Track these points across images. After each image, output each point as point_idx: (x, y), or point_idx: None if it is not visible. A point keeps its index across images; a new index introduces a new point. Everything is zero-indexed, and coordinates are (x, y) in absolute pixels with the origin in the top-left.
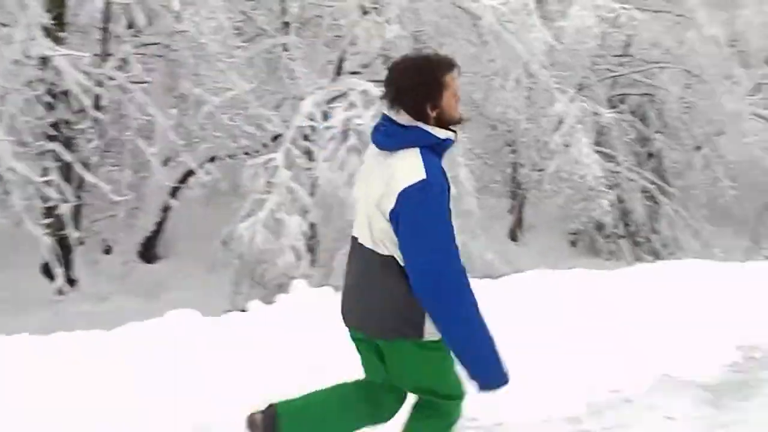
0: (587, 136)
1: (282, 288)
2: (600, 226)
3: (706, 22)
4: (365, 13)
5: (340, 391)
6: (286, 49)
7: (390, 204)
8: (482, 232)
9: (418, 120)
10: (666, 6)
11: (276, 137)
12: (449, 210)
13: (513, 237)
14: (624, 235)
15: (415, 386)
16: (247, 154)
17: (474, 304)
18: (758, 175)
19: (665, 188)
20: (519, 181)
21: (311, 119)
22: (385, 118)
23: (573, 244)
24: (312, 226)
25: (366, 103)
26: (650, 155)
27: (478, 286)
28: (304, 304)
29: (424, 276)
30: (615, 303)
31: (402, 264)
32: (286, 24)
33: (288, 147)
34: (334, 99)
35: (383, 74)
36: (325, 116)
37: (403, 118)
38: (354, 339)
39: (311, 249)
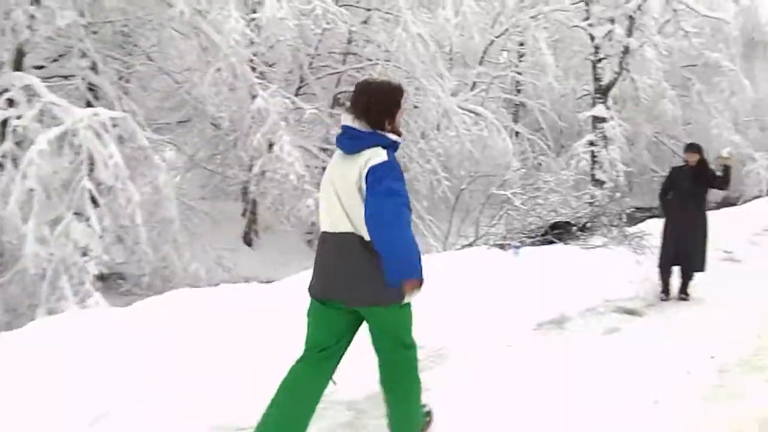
0: (290, 132)
1: None
2: None
3: (411, 20)
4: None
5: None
6: None
7: (362, 177)
8: (191, 241)
9: (375, 128)
10: (376, 4)
11: None
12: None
13: (247, 241)
14: None
15: (395, 337)
16: None
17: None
18: (469, 166)
19: None
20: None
21: None
22: (347, 128)
23: (310, 243)
24: None
25: (30, 101)
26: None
27: None
28: None
29: (384, 216)
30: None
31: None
32: None
33: None
34: None
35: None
36: None
37: (363, 126)
38: (323, 309)
39: None
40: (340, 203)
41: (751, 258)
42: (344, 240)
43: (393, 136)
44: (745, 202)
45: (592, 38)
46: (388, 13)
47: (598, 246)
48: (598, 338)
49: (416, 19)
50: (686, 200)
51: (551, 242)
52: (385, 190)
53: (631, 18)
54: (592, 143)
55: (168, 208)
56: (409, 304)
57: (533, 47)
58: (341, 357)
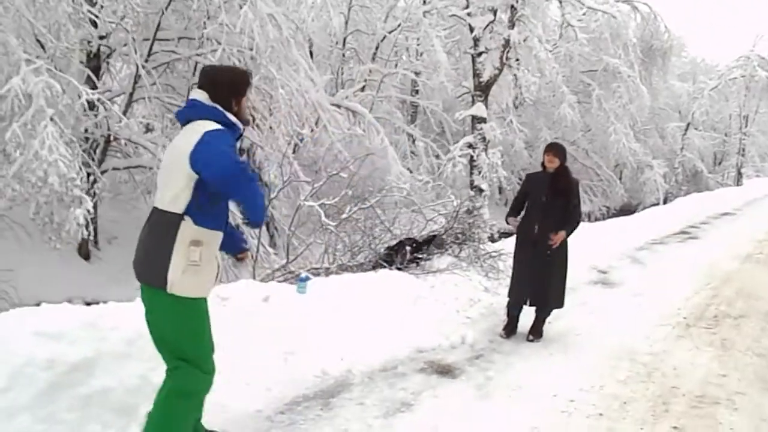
0: (64, 123)
1: None
2: None
3: None
4: None
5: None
6: None
7: (190, 147)
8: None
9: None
10: None
11: None
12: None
13: (84, 254)
14: None
15: (162, 336)
16: None
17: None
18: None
19: None
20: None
21: None
22: (191, 100)
23: None
24: None
25: None
26: (242, 151)
27: None
28: None
29: (225, 176)
30: None
31: (174, 218)
32: None
33: None
34: None
35: None
36: None
37: (205, 99)
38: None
39: None
40: (166, 175)
41: (629, 279)
42: (156, 216)
43: (231, 116)
44: (644, 209)
45: (471, 30)
46: None
47: (442, 270)
48: (370, 423)
49: None
50: (542, 217)
51: (382, 267)
52: (224, 157)
53: (512, 8)
54: (470, 146)
55: None
56: (198, 303)
57: (427, 44)
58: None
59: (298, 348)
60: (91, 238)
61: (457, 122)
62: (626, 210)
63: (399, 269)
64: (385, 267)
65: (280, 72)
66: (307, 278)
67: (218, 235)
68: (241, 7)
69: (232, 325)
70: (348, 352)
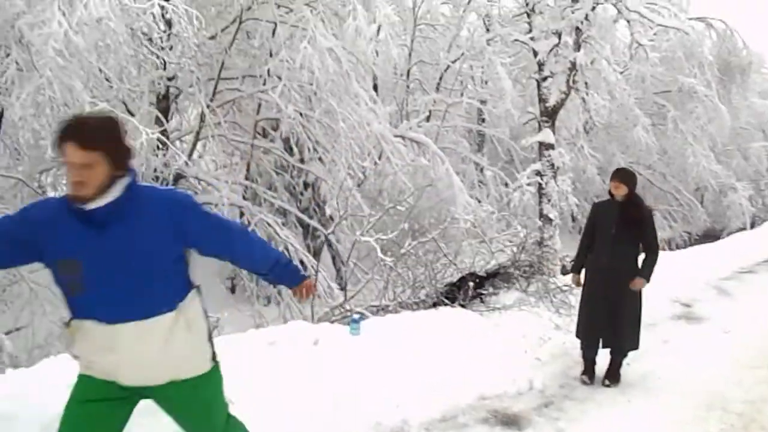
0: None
1: None
2: None
3: (321, 33)
4: None
5: None
6: None
7: None
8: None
9: None
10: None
11: None
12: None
13: None
14: None
15: None
16: None
17: None
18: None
19: (307, 222)
20: None
21: None
22: None
23: (232, 290)
24: None
25: None
26: (306, 186)
27: None
28: None
29: None
30: None
31: None
32: None
33: None
34: None
35: None
36: None
37: None
38: None
39: None
40: None
41: (716, 314)
42: None
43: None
44: (729, 234)
45: (535, 54)
46: (293, 26)
47: (509, 306)
48: None
49: (327, 31)
50: (611, 250)
51: (443, 304)
52: None
53: (578, 30)
54: (539, 173)
55: None
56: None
57: (492, 72)
58: None
59: (350, 395)
60: None
61: (525, 149)
62: (710, 236)
63: (462, 306)
64: (446, 304)
65: (341, 105)
66: (361, 318)
67: (88, 326)
68: (301, 41)
69: (279, 370)
70: (404, 399)
